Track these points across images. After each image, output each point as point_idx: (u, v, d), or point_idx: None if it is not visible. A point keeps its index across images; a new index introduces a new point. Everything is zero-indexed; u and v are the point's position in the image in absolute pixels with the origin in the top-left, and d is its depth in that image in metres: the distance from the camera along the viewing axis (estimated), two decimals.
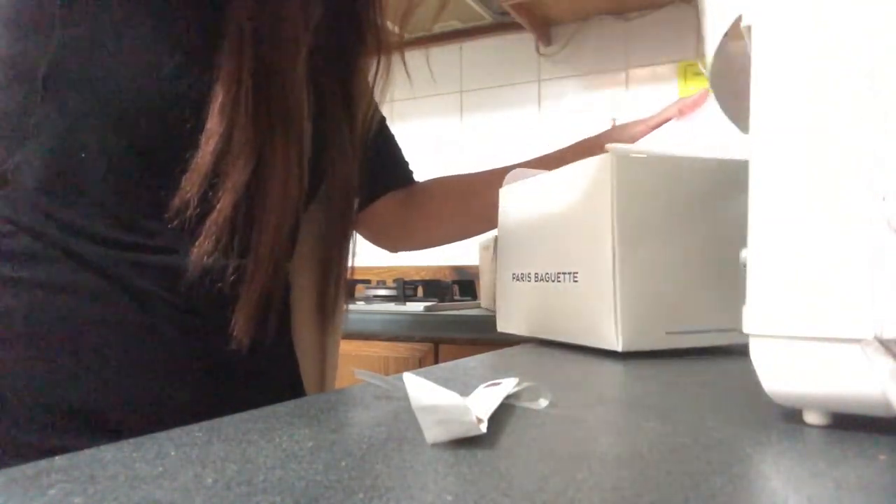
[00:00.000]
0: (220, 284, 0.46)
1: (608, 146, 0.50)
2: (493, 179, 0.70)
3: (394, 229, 0.81)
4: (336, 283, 0.61)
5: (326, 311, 0.61)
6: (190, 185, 0.44)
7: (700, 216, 0.51)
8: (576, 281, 0.53)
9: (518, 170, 0.66)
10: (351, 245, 0.63)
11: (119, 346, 0.45)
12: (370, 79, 0.63)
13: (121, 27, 0.46)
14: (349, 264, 0.63)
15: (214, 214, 0.45)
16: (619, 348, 0.48)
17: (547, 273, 0.57)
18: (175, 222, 0.45)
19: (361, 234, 0.79)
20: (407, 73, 0.64)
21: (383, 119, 0.74)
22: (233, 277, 0.47)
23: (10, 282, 0.44)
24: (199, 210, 0.45)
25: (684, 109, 0.76)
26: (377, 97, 0.65)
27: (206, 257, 0.45)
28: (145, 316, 0.46)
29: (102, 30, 0.46)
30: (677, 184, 0.51)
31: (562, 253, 0.55)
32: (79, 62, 0.45)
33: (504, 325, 0.66)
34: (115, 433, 0.41)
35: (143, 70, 0.46)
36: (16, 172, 0.46)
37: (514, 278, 0.63)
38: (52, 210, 0.45)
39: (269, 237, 0.47)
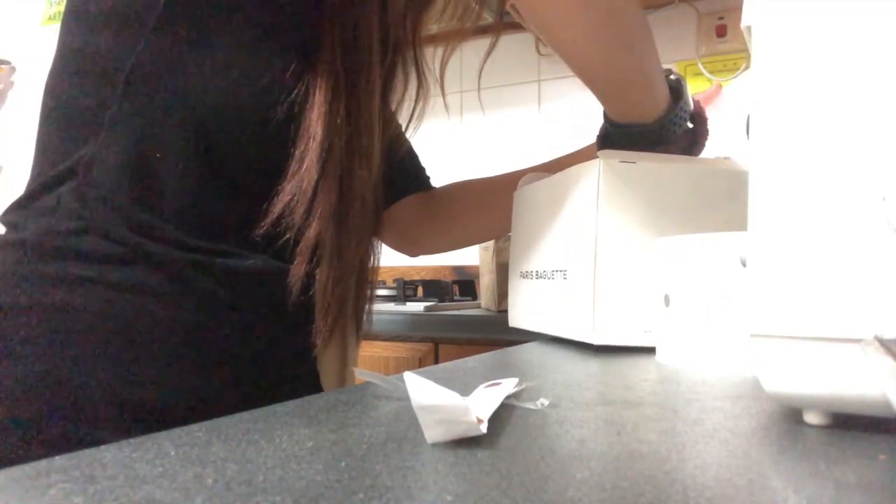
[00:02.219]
0: (305, 295, 0.49)
1: (600, 152, 0.51)
2: (514, 181, 0.70)
3: (414, 232, 0.81)
4: (361, 287, 0.62)
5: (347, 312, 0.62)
6: (287, 212, 0.46)
7: (685, 221, 0.53)
8: (565, 278, 0.56)
9: (531, 174, 0.68)
10: (376, 250, 0.63)
11: (182, 345, 0.45)
12: (400, 98, 0.64)
13: (218, 36, 0.47)
14: (375, 264, 0.63)
15: (307, 240, 0.47)
16: (594, 342, 0.51)
17: (544, 270, 0.60)
18: (262, 242, 0.47)
19: (382, 239, 0.79)
20: (442, 92, 0.66)
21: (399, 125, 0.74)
22: (316, 286, 0.49)
23: (77, 280, 0.44)
24: (287, 234, 0.47)
25: (697, 105, 0.76)
26: (416, 116, 0.66)
27: (304, 277, 0.47)
28: (209, 317, 0.47)
29: (199, 35, 0.46)
30: (663, 189, 0.53)
31: (556, 252, 0.58)
32: (169, 63, 0.46)
33: (514, 321, 0.68)
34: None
35: (233, 82, 0.47)
36: (87, 166, 0.46)
37: (521, 276, 0.66)
38: (124, 206, 0.45)
39: (353, 249, 0.50)
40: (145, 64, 0.46)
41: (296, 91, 0.47)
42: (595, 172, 0.52)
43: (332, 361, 0.61)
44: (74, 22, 0.50)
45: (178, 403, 0.45)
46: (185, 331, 0.46)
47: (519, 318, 0.67)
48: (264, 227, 0.46)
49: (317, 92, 0.47)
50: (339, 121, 0.48)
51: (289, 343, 0.51)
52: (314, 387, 0.59)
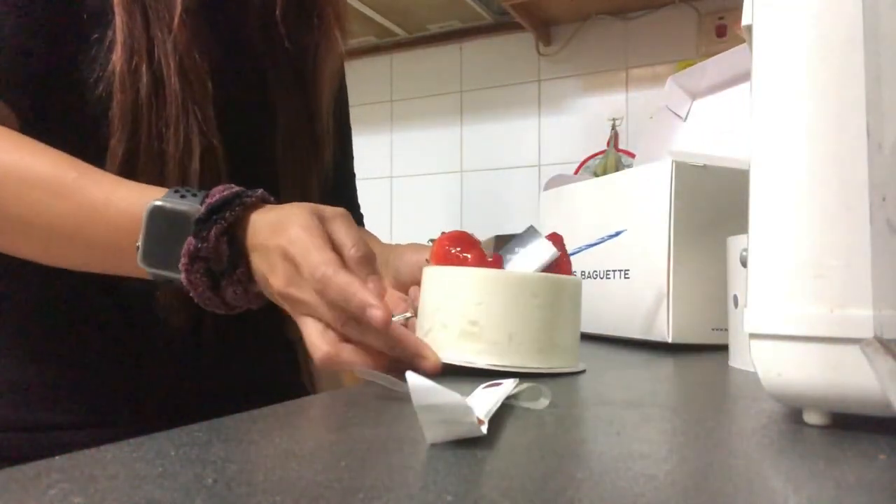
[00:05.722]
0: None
1: (669, 151, 0.53)
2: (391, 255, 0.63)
3: None
4: None
5: None
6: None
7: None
8: (627, 278, 0.56)
9: (557, 176, 0.70)
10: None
11: (47, 324, 0.52)
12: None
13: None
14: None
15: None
16: (669, 340, 0.51)
17: (595, 271, 0.61)
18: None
19: None
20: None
21: (350, 160, 0.72)
22: None
23: None
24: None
25: None
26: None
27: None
28: (84, 294, 0.52)
29: None
30: (732, 191, 0.53)
31: (613, 252, 0.59)
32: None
33: None
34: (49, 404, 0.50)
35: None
36: None
37: None
38: None
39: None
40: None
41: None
42: (667, 173, 0.53)
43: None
44: None
45: (42, 376, 0.51)
46: (56, 307, 0.52)
47: None
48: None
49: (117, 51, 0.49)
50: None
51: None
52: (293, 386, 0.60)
